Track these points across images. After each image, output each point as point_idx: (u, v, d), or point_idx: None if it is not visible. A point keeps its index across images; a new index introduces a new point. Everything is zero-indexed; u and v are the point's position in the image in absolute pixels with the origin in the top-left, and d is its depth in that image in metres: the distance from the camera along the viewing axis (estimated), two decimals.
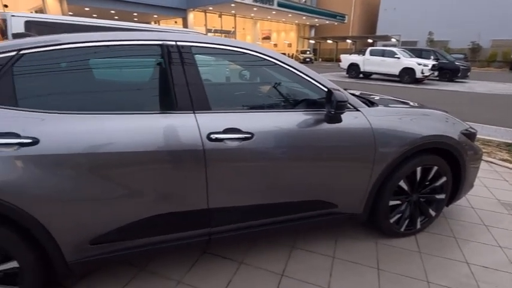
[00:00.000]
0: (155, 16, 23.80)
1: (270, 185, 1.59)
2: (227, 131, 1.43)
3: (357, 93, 2.30)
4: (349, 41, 30.70)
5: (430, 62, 12.63)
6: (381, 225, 2.00)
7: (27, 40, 1.30)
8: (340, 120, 1.60)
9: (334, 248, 1.95)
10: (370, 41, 28.20)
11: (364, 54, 14.23)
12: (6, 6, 13.93)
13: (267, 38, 35.62)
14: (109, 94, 1.47)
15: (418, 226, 2.07)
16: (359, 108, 1.74)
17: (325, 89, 1.62)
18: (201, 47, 1.51)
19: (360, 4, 33.76)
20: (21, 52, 1.26)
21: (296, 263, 1.81)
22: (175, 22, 25.10)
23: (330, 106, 1.52)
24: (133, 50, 1.46)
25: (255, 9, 23.93)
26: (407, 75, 12.62)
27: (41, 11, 15.95)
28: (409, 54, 13.39)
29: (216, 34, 24.41)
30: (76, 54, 1.36)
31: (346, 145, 1.68)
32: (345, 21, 31.98)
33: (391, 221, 1.97)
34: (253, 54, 1.59)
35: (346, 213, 1.85)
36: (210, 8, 23.84)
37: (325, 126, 1.61)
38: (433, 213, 2.08)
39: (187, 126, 1.38)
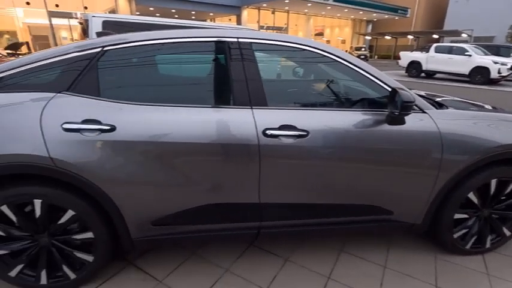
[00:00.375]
0: (211, 14, 24.81)
1: (323, 185, 1.56)
2: (283, 127, 1.43)
3: (422, 93, 2.12)
4: (410, 36, 28.30)
5: (510, 61, 11.02)
6: (442, 239, 1.82)
7: (109, 38, 1.46)
8: (403, 122, 1.50)
9: (386, 257, 1.84)
10: (435, 36, 25.64)
11: (427, 51, 12.98)
12: (86, 8, 15.79)
13: (320, 34, 34.70)
14: (175, 88, 1.58)
15: (488, 245, 1.84)
16: (426, 110, 1.60)
17: (389, 88, 1.53)
18: (261, 43, 1.53)
19: None
20: (105, 49, 1.42)
21: (344, 267, 1.75)
22: (230, 20, 25.83)
23: (394, 106, 1.43)
24: (198, 47, 1.53)
25: (309, 4, 23.44)
26: (479, 75, 11.20)
27: (113, 11, 17.73)
28: (483, 52, 11.86)
29: (268, 30, 24.51)
30: (148, 51, 1.49)
31: (408, 149, 1.56)
32: (407, 16, 29.56)
33: (455, 235, 1.78)
34: (313, 51, 1.56)
35: (402, 222, 1.73)
36: (264, 5, 24.01)
37: (386, 127, 1.52)
38: (507, 232, 1.83)
39: (245, 121, 1.42)
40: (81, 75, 1.38)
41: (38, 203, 1.35)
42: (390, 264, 1.78)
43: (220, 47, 1.51)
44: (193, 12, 22.95)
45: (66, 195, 1.37)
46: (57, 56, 1.39)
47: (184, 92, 1.57)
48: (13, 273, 1.47)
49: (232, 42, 1.50)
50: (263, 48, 1.57)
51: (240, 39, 1.50)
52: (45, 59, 1.38)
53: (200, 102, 1.47)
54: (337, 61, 1.57)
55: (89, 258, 1.50)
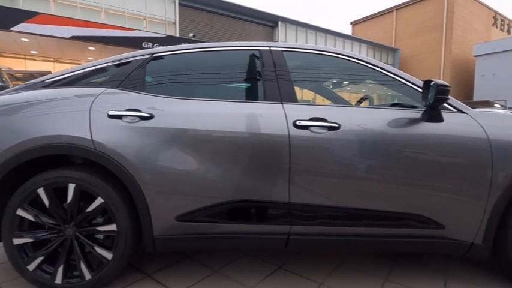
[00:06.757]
0: None
1: (359, 186, 1.43)
2: (313, 119, 1.43)
3: None
4: None
5: None
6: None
7: (158, 48, 1.69)
8: (441, 119, 1.43)
9: None
10: None
11: None
12: None
13: None
14: (209, 86, 1.71)
15: None
16: (464, 111, 1.52)
17: (421, 86, 1.51)
18: (290, 51, 1.66)
19: (450, 71, 31.92)
20: (154, 55, 1.63)
21: None
22: None
23: (428, 96, 1.38)
24: (235, 54, 1.69)
25: None
26: None
27: None
28: None
29: None
30: (185, 57, 1.67)
31: (451, 149, 1.43)
32: None
33: None
34: (340, 58, 1.65)
35: (457, 241, 1.47)
36: None
37: (424, 127, 1.44)
38: None
39: (275, 114, 1.45)
40: (131, 74, 1.56)
41: (71, 187, 1.38)
42: None
43: (257, 54, 1.65)
44: None
45: (98, 182, 1.39)
46: (117, 60, 1.62)
47: (217, 89, 1.71)
48: (31, 266, 1.41)
49: (265, 50, 1.64)
50: (293, 55, 1.68)
51: (272, 48, 1.65)
52: (107, 63, 1.62)
53: (230, 97, 1.57)
54: (368, 67, 1.62)
55: (108, 255, 1.42)
